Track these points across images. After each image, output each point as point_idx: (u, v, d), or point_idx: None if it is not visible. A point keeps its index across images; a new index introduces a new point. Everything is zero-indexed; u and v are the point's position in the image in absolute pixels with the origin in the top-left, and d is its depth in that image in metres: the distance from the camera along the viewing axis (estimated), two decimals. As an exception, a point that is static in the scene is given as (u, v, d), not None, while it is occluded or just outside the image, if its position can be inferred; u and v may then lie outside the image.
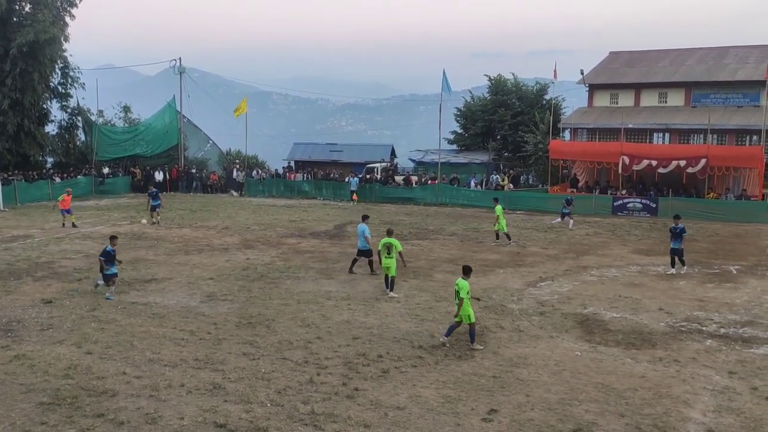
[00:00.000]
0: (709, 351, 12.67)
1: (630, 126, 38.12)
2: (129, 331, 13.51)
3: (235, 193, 42.69)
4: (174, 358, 11.96)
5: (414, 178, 42.50)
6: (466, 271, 13.21)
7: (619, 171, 34.85)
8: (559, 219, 29.73)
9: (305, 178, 43.89)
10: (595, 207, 33.88)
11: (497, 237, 24.88)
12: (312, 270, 19.72)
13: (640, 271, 20.11)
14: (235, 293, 16.75)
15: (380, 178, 42.80)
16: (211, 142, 49.69)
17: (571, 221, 28.95)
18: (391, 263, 16.68)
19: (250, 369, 11.49)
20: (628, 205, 33.55)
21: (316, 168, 46.56)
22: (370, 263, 18.89)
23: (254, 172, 44.88)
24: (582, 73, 42.24)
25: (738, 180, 34.16)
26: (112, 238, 16.71)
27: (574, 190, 37.18)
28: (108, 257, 16.10)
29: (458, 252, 23.06)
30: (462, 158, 46.74)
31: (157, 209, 28.99)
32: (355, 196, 38.65)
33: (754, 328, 14.08)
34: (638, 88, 41.54)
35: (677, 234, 19.57)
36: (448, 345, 12.74)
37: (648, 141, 38.85)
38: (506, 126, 46.98)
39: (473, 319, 12.81)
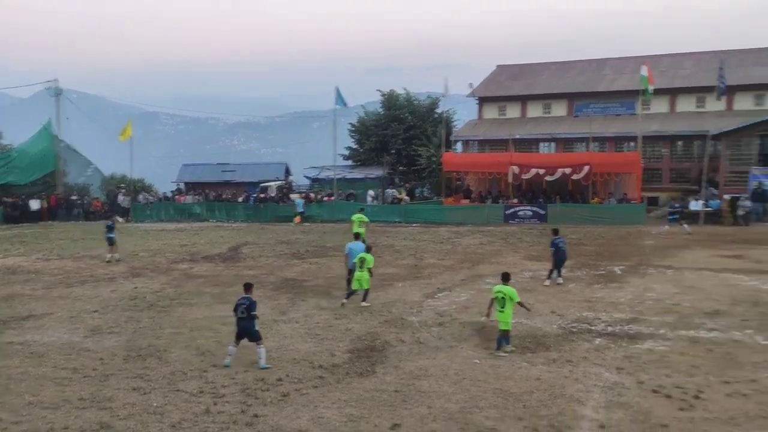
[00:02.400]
0: (598, 349, 13.14)
1: (517, 136, 39.65)
2: (4, 374, 12.43)
3: (120, 219, 40.70)
4: (56, 399, 11.08)
5: (311, 195, 42.23)
6: (507, 278, 13.48)
7: (510, 180, 36.03)
8: (667, 227, 29.89)
9: (196, 200, 42.60)
10: (488, 216, 34.85)
11: None
12: (206, 295, 18.99)
13: (533, 276, 20.72)
14: (122, 325, 15.82)
15: (275, 197, 42.21)
16: (93, 166, 47.28)
17: (686, 226, 29.51)
18: (363, 276, 16.77)
19: (140, 404, 10.82)
20: (519, 213, 34.71)
21: (207, 189, 45.33)
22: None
23: (141, 196, 43.13)
24: (471, 87, 43.54)
25: (619, 184, 36.14)
26: (249, 287, 13.33)
27: (467, 200, 38.12)
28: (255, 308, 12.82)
29: (357, 267, 22.94)
30: (358, 173, 46.93)
31: (111, 243, 25.26)
32: (298, 218, 37.59)
33: (638, 325, 14.76)
34: (524, 99, 43.31)
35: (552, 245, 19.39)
36: (515, 349, 13.03)
37: (535, 150, 40.47)
38: (400, 140, 47.63)
39: (510, 327, 13.08)
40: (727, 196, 32.56)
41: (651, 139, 37.26)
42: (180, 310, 17.08)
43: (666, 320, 15.01)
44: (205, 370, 12.42)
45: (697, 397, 10.47)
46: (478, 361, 12.61)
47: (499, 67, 48.25)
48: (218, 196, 42.94)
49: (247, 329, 12.67)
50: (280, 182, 46.68)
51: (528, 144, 40.49)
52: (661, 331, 14.17)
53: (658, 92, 38.80)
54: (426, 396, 10.93)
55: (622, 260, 22.99)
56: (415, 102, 50.66)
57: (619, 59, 45.12)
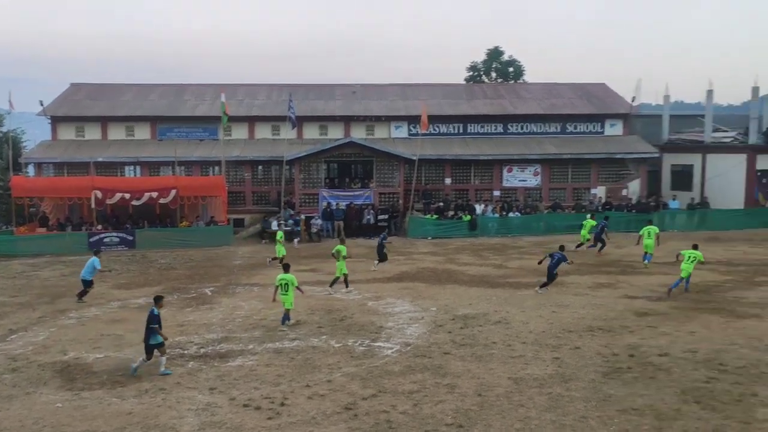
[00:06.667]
0: (191, 372, 13.25)
1: (100, 159, 37.55)
2: None
3: None
4: None
5: None
6: (288, 268, 17.40)
7: (93, 206, 33.93)
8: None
9: None
10: (70, 245, 32.16)
11: None
12: None
13: (122, 305, 19.88)
14: None
15: None
16: None
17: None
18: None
19: None
20: (105, 240, 32.88)
21: None
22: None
23: None
24: (42, 105, 39.77)
25: (206, 208, 36.96)
26: (159, 299, 14.15)
27: (45, 229, 34.69)
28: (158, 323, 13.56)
29: None
30: None
31: None
32: None
33: (229, 343, 15.34)
34: (105, 121, 41.23)
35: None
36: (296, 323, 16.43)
37: (120, 174, 38.84)
38: (-46, 162, 40.87)
39: (292, 307, 16.86)
40: (302, 216, 36.02)
41: (234, 164, 39.05)
42: None
43: (254, 335, 15.92)
44: None
45: (283, 404, 11.35)
46: (60, 405, 11.56)
47: (73, 85, 44.98)
48: None
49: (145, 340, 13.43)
50: None
51: (112, 167, 38.61)
52: (250, 347, 14.98)
53: (239, 119, 41.01)
54: (-2, 456, 9.59)
55: (213, 281, 23.61)
56: (-28, 118, 44.19)
57: (199, 86, 46.03)
